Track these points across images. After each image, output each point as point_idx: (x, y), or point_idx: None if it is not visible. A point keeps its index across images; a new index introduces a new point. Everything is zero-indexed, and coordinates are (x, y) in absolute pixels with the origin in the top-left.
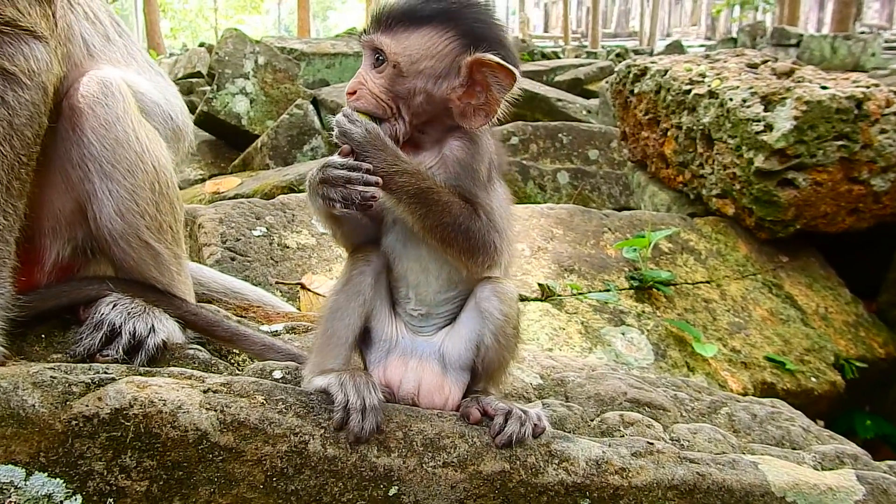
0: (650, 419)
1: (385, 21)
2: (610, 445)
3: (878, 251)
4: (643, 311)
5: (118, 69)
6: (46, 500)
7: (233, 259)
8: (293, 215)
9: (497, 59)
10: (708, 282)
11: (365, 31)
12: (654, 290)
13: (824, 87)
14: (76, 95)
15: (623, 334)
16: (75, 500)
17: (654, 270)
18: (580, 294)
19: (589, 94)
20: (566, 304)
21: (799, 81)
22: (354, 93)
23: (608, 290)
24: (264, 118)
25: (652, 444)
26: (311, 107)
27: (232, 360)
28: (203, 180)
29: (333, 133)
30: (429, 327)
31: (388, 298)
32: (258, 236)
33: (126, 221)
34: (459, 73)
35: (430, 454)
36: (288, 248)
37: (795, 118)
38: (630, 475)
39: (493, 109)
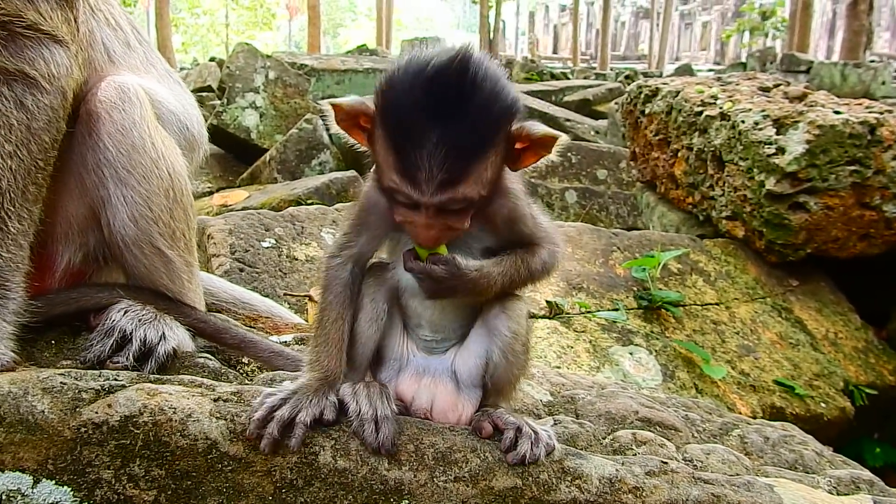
0: (662, 439)
1: (456, 179)
2: (623, 464)
3: (889, 278)
4: (651, 332)
5: (137, 76)
6: None
7: (241, 270)
8: (302, 227)
9: (542, 131)
10: (717, 304)
11: (424, 190)
12: (662, 310)
13: (837, 112)
14: (94, 100)
15: (631, 354)
16: None
17: (663, 291)
18: (588, 312)
19: (597, 115)
20: (574, 323)
21: (811, 106)
22: (436, 241)
23: (617, 310)
24: (273, 132)
25: (666, 463)
26: (320, 121)
27: (241, 370)
28: (211, 193)
29: (413, 274)
30: (441, 346)
31: (400, 317)
32: (267, 248)
33: (139, 228)
34: (508, 147)
35: (441, 468)
36: (297, 260)
37: (808, 142)
38: (644, 495)
39: (542, 155)
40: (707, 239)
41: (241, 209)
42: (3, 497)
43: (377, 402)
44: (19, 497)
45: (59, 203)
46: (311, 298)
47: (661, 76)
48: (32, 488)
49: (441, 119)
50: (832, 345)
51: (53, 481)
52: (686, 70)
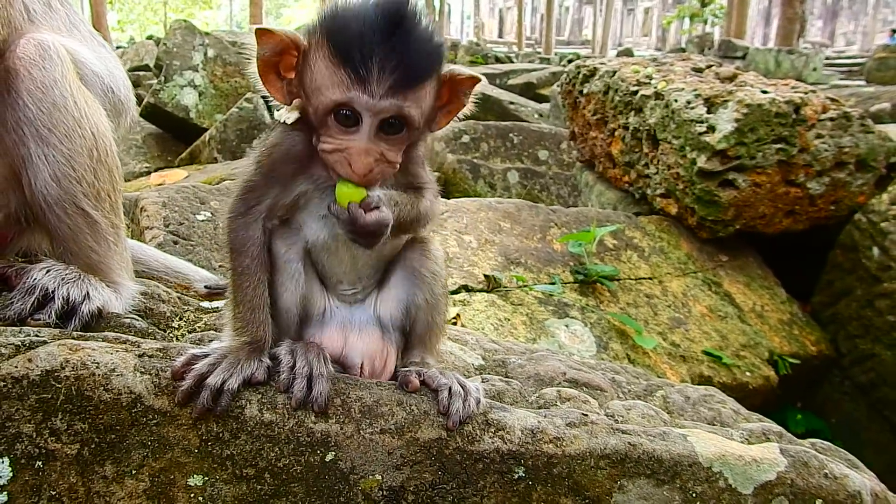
0: (587, 396)
1: (405, 84)
2: (545, 416)
3: (813, 253)
4: (587, 305)
5: (60, 36)
6: None
7: (175, 243)
8: None
9: (467, 71)
10: (650, 278)
11: (374, 92)
12: (598, 284)
13: (765, 92)
14: (12, 57)
15: (567, 326)
16: (2, 462)
17: (599, 265)
18: (525, 286)
19: (541, 98)
20: (511, 296)
21: (741, 86)
22: (370, 171)
23: (553, 283)
24: (213, 111)
25: (586, 415)
26: (261, 101)
27: (172, 335)
28: (149, 173)
29: (339, 222)
30: (361, 295)
31: (316, 274)
32: (202, 220)
33: (62, 187)
34: (436, 93)
35: (367, 421)
36: None
37: (736, 120)
38: (564, 444)
39: (459, 109)
40: (642, 216)
41: None
42: None
43: (314, 361)
44: None
45: None
46: None
47: None
48: None
49: (389, 36)
50: (759, 317)
51: None
52: (626, 53)
